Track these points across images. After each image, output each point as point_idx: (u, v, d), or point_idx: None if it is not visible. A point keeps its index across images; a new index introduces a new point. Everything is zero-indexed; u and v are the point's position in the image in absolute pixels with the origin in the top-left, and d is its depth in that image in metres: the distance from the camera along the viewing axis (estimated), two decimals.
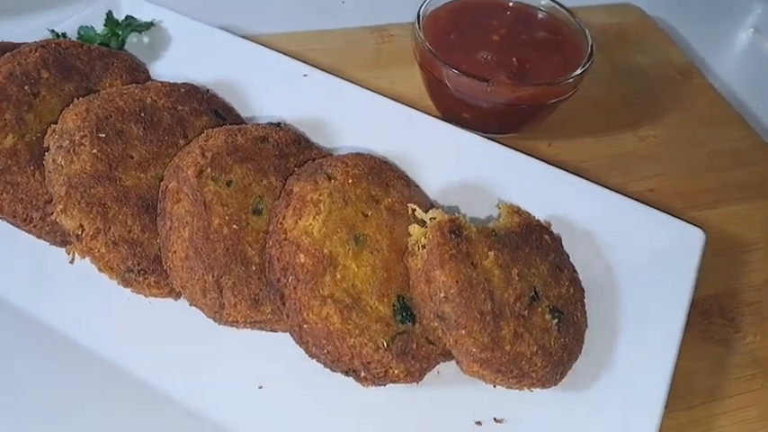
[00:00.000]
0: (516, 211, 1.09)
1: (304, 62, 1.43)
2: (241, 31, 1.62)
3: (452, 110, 1.39)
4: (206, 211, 0.94)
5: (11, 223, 1.03)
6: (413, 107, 1.37)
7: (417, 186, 1.08)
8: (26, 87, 1.05)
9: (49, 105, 1.06)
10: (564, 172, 1.27)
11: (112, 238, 0.95)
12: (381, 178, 1.03)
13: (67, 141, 0.97)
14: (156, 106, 1.05)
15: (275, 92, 1.35)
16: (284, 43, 1.58)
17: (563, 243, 1.14)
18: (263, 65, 1.39)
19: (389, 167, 1.06)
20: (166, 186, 0.97)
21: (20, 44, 1.24)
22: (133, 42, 1.43)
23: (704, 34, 1.87)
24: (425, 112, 1.36)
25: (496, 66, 1.32)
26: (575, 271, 1.10)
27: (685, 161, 1.46)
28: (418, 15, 1.37)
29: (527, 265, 1.01)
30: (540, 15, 1.44)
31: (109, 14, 1.39)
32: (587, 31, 1.38)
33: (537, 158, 1.29)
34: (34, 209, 1.01)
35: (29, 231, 1.03)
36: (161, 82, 1.10)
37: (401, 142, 1.28)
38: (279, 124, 1.09)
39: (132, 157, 1.00)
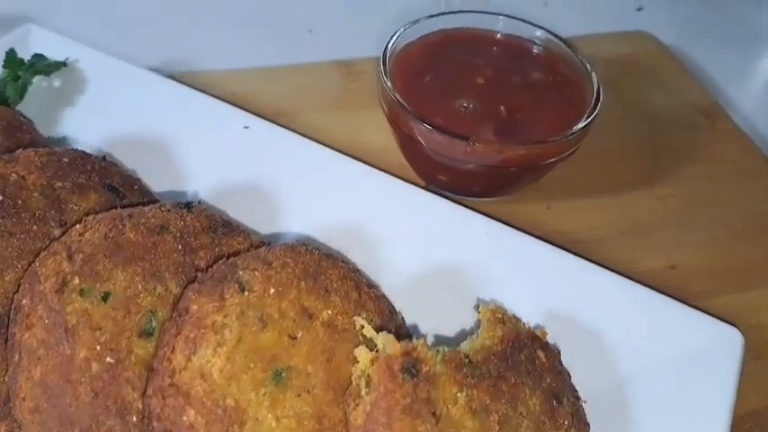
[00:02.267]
0: (500, 318, 0.83)
1: (248, 110, 1.17)
2: (185, 67, 1.37)
3: (427, 171, 1.14)
4: (68, 341, 0.68)
5: None
6: (378, 167, 1.12)
7: (373, 287, 0.82)
8: None
9: None
10: (564, 253, 1.00)
11: None
12: (320, 281, 0.77)
13: None
14: (22, 185, 0.80)
15: (208, 150, 1.09)
16: (231, 83, 1.33)
17: (563, 354, 0.87)
18: (195, 114, 1.13)
19: (333, 263, 0.80)
20: (19, 303, 0.72)
21: None
22: (42, 87, 1.18)
23: (727, 64, 1.62)
24: (394, 174, 1.11)
25: (480, 117, 1.06)
26: (578, 398, 0.83)
27: (712, 228, 1.20)
28: (384, 54, 1.11)
29: (512, 402, 0.74)
30: (534, 50, 1.19)
31: (9, 54, 1.14)
32: (593, 73, 1.12)
33: (529, 234, 1.03)
34: None
35: None
36: (35, 151, 0.84)
37: (362, 213, 1.03)
38: (189, 205, 0.84)
39: None
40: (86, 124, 1.14)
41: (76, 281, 0.71)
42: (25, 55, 1.17)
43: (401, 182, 1.07)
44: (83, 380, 0.68)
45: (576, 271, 0.98)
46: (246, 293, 0.72)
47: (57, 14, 1.43)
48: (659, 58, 1.53)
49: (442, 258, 0.99)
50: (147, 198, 0.90)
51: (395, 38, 1.14)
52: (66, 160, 0.85)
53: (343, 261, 0.82)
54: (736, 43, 1.71)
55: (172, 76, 1.25)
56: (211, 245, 0.81)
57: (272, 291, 0.73)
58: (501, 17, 1.21)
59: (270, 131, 1.12)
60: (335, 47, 1.50)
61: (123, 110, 1.15)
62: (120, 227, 0.77)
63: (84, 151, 0.89)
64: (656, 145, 1.32)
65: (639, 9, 1.76)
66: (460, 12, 1.21)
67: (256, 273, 0.74)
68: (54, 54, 1.20)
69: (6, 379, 0.71)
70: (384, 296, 0.84)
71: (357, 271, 0.83)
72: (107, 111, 1.15)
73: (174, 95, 1.16)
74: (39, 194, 0.80)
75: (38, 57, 1.18)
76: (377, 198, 1.05)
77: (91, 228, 0.76)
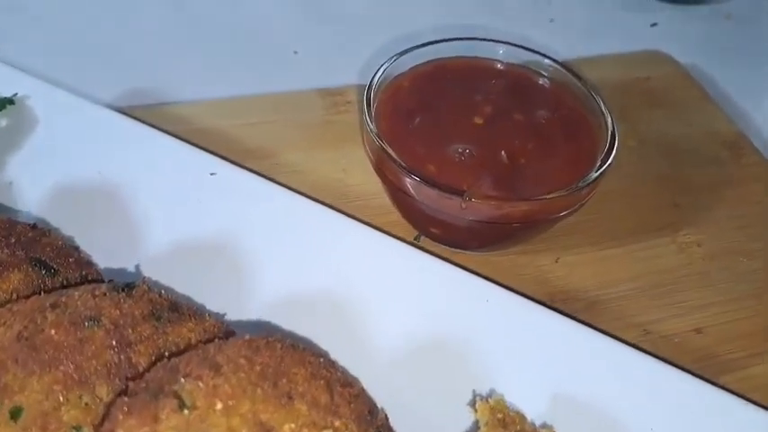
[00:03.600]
0: (501, 420, 0.69)
1: (216, 151, 1.04)
2: (150, 98, 1.24)
3: (419, 223, 1.00)
4: None
5: None
6: (364, 218, 0.98)
7: (348, 384, 0.68)
8: None
9: None
10: (576, 325, 0.86)
11: None
12: (281, 386, 0.63)
13: None
14: None
15: (166, 201, 0.96)
16: (199, 116, 1.19)
17: None
18: (155, 159, 1.00)
19: (299, 358, 0.67)
20: None
21: None
22: None
23: (750, 86, 1.47)
24: (382, 225, 0.97)
25: (478, 165, 0.92)
26: None
27: (742, 281, 1.06)
28: (368, 93, 0.98)
29: None
30: (540, 82, 1.05)
31: None
32: (606, 111, 0.98)
33: (536, 301, 0.90)
34: None
35: None
36: None
37: (344, 276, 0.90)
38: (129, 286, 0.70)
39: None
40: (34, 169, 1.01)
41: None
42: None
43: (390, 239, 0.93)
44: None
45: (591, 345, 0.85)
46: (186, 411, 0.59)
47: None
48: (677, 81, 1.39)
49: (435, 330, 0.86)
50: (84, 271, 0.76)
51: (381, 72, 1.00)
52: None
53: (312, 353, 0.69)
54: (760, 62, 1.57)
55: (133, 110, 1.13)
56: (154, 335, 0.68)
57: (219, 405, 0.60)
58: (501, 44, 1.08)
59: (239, 178, 0.99)
60: (324, 71, 1.37)
61: (77, 153, 1.02)
62: (40, 321, 0.63)
63: (8, 218, 0.76)
64: (675, 184, 1.18)
65: (653, 25, 1.62)
66: (456, 39, 1.08)
67: (200, 383, 0.60)
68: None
69: None
70: (362, 392, 0.70)
71: (330, 365, 0.69)
72: (58, 153, 1.02)
73: (133, 136, 1.03)
74: None
75: None
76: (361, 259, 0.92)
77: (2, 324, 0.63)
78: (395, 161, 0.90)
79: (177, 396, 0.59)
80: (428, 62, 1.06)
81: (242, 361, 0.63)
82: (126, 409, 0.59)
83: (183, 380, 0.61)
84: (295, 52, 1.45)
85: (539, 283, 1.01)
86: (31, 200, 0.99)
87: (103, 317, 0.66)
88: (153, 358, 0.67)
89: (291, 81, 1.32)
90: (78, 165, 1.01)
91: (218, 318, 0.77)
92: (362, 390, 0.71)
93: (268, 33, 1.49)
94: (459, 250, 1.00)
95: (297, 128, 1.22)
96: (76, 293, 0.68)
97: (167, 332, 0.69)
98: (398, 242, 0.93)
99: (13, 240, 0.73)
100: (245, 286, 0.91)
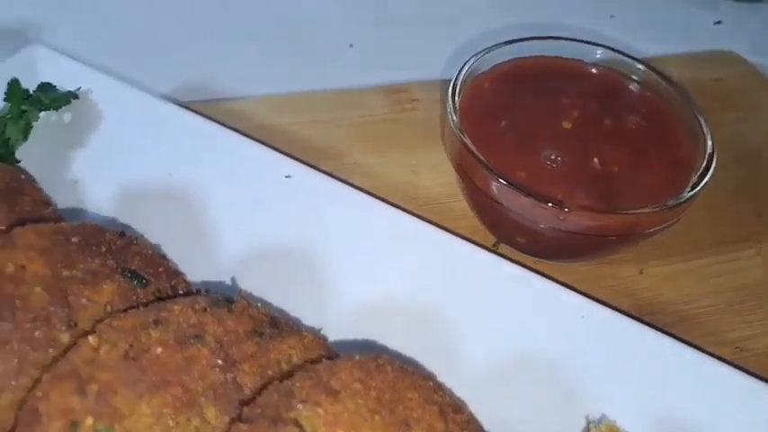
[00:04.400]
0: None
1: (286, 151, 1.00)
2: (211, 92, 1.21)
3: (503, 230, 0.96)
4: None
5: None
6: (440, 226, 0.94)
7: (459, 410, 0.65)
8: None
9: None
10: (678, 344, 0.81)
11: None
12: (398, 412, 0.60)
13: None
14: (20, 278, 0.63)
15: (243, 205, 0.92)
16: (265, 112, 1.16)
17: None
18: (228, 160, 0.96)
19: (411, 382, 0.63)
20: None
21: None
22: (51, 122, 1.01)
23: None
24: (458, 234, 0.93)
25: (570, 172, 0.88)
26: None
27: None
28: (453, 91, 0.94)
29: None
30: (627, 84, 1.00)
31: (12, 85, 0.97)
32: (701, 119, 0.93)
33: (632, 317, 0.85)
34: None
35: None
36: (35, 229, 0.67)
37: (430, 285, 0.86)
38: (229, 300, 0.67)
39: None
40: (100, 168, 0.98)
41: (89, 421, 0.54)
42: (29, 81, 1.00)
43: (477, 248, 0.89)
44: None
45: (697, 366, 0.80)
46: None
47: (55, 33, 1.26)
48: (750, 82, 1.34)
49: (529, 347, 0.82)
50: (173, 281, 0.73)
51: (465, 70, 0.96)
52: (75, 240, 0.68)
53: (420, 376, 0.65)
54: None
55: (190, 106, 1.09)
56: (257, 354, 0.65)
57: None
58: (590, 45, 1.03)
59: (315, 182, 0.95)
60: (383, 65, 1.32)
61: (145, 152, 0.98)
62: (144, 339, 0.60)
63: (96, 226, 0.72)
64: (756, 192, 1.14)
65: (718, 23, 1.56)
66: (536, 38, 1.03)
67: (319, 410, 0.57)
68: (62, 82, 1.03)
69: None
70: (472, 418, 0.67)
71: (438, 387, 0.66)
72: (125, 152, 0.99)
73: (204, 135, 0.99)
74: (41, 289, 0.64)
75: (45, 87, 1.01)
76: (444, 267, 0.87)
77: (107, 342, 0.59)
78: (485, 166, 0.86)
79: (297, 423, 0.56)
80: (507, 62, 1.02)
81: (357, 386, 0.60)
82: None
83: (300, 405, 0.57)
84: (350, 46, 1.41)
85: (624, 295, 0.97)
86: (98, 200, 0.96)
87: (207, 334, 0.63)
88: (257, 378, 0.63)
89: (348, 76, 1.29)
90: (147, 164, 0.97)
91: (314, 332, 0.74)
92: (471, 415, 0.68)
93: (323, 27, 1.44)
94: (540, 259, 0.96)
95: (362, 126, 1.18)
96: (176, 308, 0.64)
97: (269, 349, 0.66)
98: (485, 251, 0.89)
99: (103, 249, 0.69)
100: (325, 293, 0.87)
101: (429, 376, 0.69)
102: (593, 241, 0.88)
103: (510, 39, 1.03)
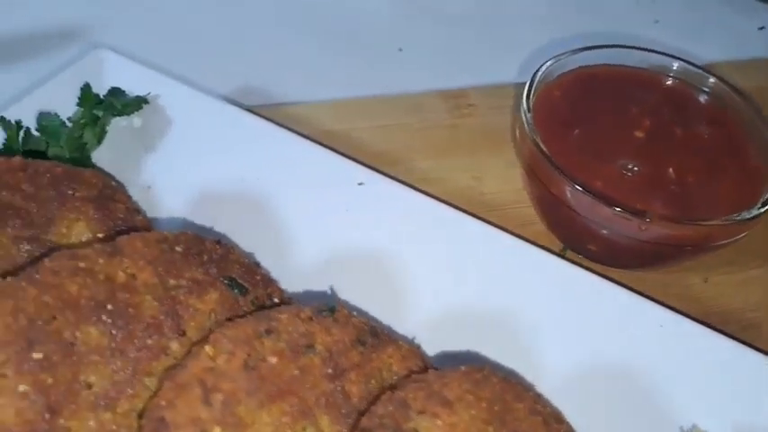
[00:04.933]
0: None
1: (358, 160, 1.00)
2: (264, 98, 1.21)
3: (573, 237, 0.97)
4: None
5: None
6: (511, 232, 0.95)
7: (561, 420, 0.65)
8: None
9: None
10: (758, 355, 0.83)
11: None
12: (509, 424, 0.61)
13: None
14: (132, 286, 0.64)
15: (319, 211, 0.93)
16: (324, 117, 1.16)
17: None
18: (302, 167, 0.97)
19: (517, 394, 0.64)
20: None
21: None
22: (120, 126, 1.02)
23: None
24: (529, 241, 0.94)
25: (646, 182, 0.89)
26: None
27: None
28: (528, 94, 0.95)
29: None
30: (698, 95, 1.01)
31: (85, 90, 0.98)
32: None
33: (708, 326, 0.86)
34: None
35: None
36: (141, 237, 0.67)
37: (506, 292, 0.87)
38: (332, 310, 0.68)
39: (90, 387, 0.60)
40: (173, 173, 0.98)
41: (217, 431, 0.55)
42: (96, 85, 1.00)
43: (552, 255, 0.90)
44: None
45: None
46: None
47: (105, 35, 1.25)
48: None
49: (607, 354, 0.83)
50: (269, 289, 0.74)
51: (539, 75, 0.97)
52: (178, 249, 0.68)
53: (523, 386, 0.66)
54: None
55: (253, 110, 1.09)
56: (361, 363, 0.66)
57: None
58: (654, 54, 1.04)
59: (388, 189, 0.96)
60: (432, 70, 1.33)
61: (215, 158, 0.98)
62: (260, 349, 0.61)
63: (196, 234, 0.72)
64: None
65: (761, 28, 1.57)
66: (605, 47, 1.04)
67: (438, 421, 0.58)
68: (128, 86, 1.04)
69: None
70: (571, 429, 0.68)
71: (539, 397, 0.67)
72: (197, 157, 0.99)
73: (275, 142, 0.99)
74: (151, 297, 0.64)
75: (115, 92, 1.02)
76: (520, 274, 0.88)
77: (225, 351, 0.60)
78: (564, 175, 0.86)
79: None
80: (573, 70, 1.02)
81: (469, 397, 0.61)
82: None
83: (418, 416, 0.58)
84: (400, 50, 1.42)
85: (690, 303, 0.97)
86: (172, 206, 0.96)
87: (317, 344, 0.63)
88: (363, 386, 0.64)
89: (400, 80, 1.29)
90: (219, 170, 0.98)
91: (408, 342, 0.74)
92: (570, 425, 0.68)
93: (372, 30, 1.45)
94: (608, 267, 0.97)
95: (422, 131, 1.18)
96: (283, 317, 0.65)
97: (372, 359, 0.66)
98: (560, 259, 0.90)
99: (205, 258, 0.70)
100: (403, 301, 0.88)
101: (530, 387, 0.69)
102: (668, 251, 0.89)
103: (560, 44, 1.06)
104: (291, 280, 0.86)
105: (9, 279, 0.61)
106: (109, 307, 0.62)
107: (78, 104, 0.98)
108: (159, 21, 1.37)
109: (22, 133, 0.93)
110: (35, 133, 0.94)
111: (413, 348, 0.71)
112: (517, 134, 0.97)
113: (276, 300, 0.73)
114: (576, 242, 0.97)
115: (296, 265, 0.90)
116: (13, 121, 0.92)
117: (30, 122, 0.95)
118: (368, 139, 1.15)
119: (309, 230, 0.93)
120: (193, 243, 0.70)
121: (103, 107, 0.98)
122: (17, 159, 0.73)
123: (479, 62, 1.36)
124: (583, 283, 0.87)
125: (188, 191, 0.97)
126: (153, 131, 1.02)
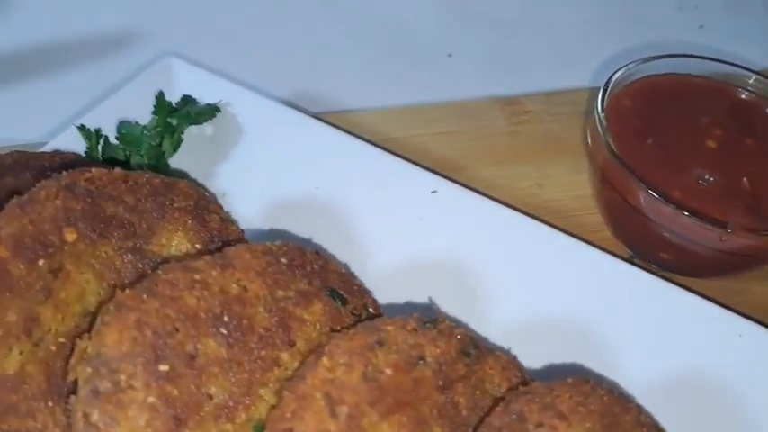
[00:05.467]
0: None
1: (431, 169, 1.01)
2: (319, 104, 1.21)
3: (644, 246, 0.98)
4: None
5: None
6: (585, 240, 0.96)
7: (662, 431, 0.67)
8: (41, 262, 0.65)
9: (76, 287, 0.67)
10: None
11: None
12: None
13: (108, 383, 0.57)
14: (244, 298, 0.65)
15: (388, 219, 0.94)
16: (383, 124, 1.17)
17: None
18: (373, 174, 0.98)
19: (624, 407, 0.65)
20: None
21: (35, 154, 0.86)
22: (192, 135, 1.03)
23: None
24: (606, 251, 0.94)
25: (723, 192, 0.90)
26: None
27: None
28: (603, 94, 0.96)
29: None
30: (764, 105, 1.02)
31: (159, 98, 0.99)
32: None
33: None
34: None
35: None
36: (248, 248, 0.69)
37: (582, 302, 0.88)
38: (436, 322, 0.69)
39: (211, 398, 0.61)
40: (247, 181, 1.00)
41: None
42: (165, 93, 1.01)
43: (626, 264, 0.91)
44: None
45: None
46: None
47: (160, 42, 1.26)
48: None
49: (689, 366, 0.84)
50: (365, 300, 0.75)
51: (612, 83, 0.98)
52: (284, 261, 0.70)
53: (626, 398, 0.68)
54: None
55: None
56: (466, 374, 0.67)
57: None
58: (716, 63, 1.04)
59: (461, 197, 0.97)
60: (481, 75, 1.34)
61: (288, 166, 1.00)
62: (375, 361, 0.62)
63: (297, 245, 0.73)
64: None
65: None
66: (670, 56, 1.05)
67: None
68: (197, 93, 1.05)
69: None
70: None
71: (642, 409, 0.68)
72: (270, 165, 1.00)
73: (348, 151, 1.00)
74: (263, 309, 0.66)
75: (187, 100, 1.03)
76: (597, 283, 0.89)
77: (342, 363, 0.61)
78: (643, 185, 0.87)
79: None
80: (641, 79, 1.03)
81: (582, 409, 0.62)
82: None
83: (534, 429, 0.60)
84: (449, 55, 1.42)
85: (761, 312, 0.98)
86: (248, 213, 0.97)
87: (427, 355, 0.65)
88: (470, 398, 0.65)
89: (451, 86, 1.30)
90: (293, 178, 0.99)
91: (505, 352, 0.76)
92: None
93: (421, 36, 1.46)
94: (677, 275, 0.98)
95: (481, 139, 1.19)
96: (389, 329, 0.66)
97: (475, 370, 0.68)
98: (640, 269, 0.90)
99: (308, 269, 0.71)
100: (484, 309, 0.89)
101: (631, 398, 0.71)
102: (743, 261, 0.90)
103: (606, 50, 1.07)
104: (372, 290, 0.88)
105: (128, 291, 0.63)
106: (225, 319, 0.63)
107: (153, 113, 0.99)
108: (210, 27, 1.38)
109: (101, 141, 0.94)
110: (113, 141, 0.96)
111: (510, 359, 0.72)
112: (589, 141, 0.98)
113: (371, 310, 0.75)
114: (646, 250, 0.98)
115: (374, 275, 0.91)
116: (92, 130, 0.94)
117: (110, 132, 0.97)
118: (430, 146, 1.16)
119: (384, 240, 0.94)
120: (296, 254, 0.71)
121: (178, 116, 0.99)
122: (118, 171, 0.74)
123: (527, 68, 1.37)
124: (662, 293, 0.88)
125: (263, 199, 0.98)
126: (225, 139, 1.04)
